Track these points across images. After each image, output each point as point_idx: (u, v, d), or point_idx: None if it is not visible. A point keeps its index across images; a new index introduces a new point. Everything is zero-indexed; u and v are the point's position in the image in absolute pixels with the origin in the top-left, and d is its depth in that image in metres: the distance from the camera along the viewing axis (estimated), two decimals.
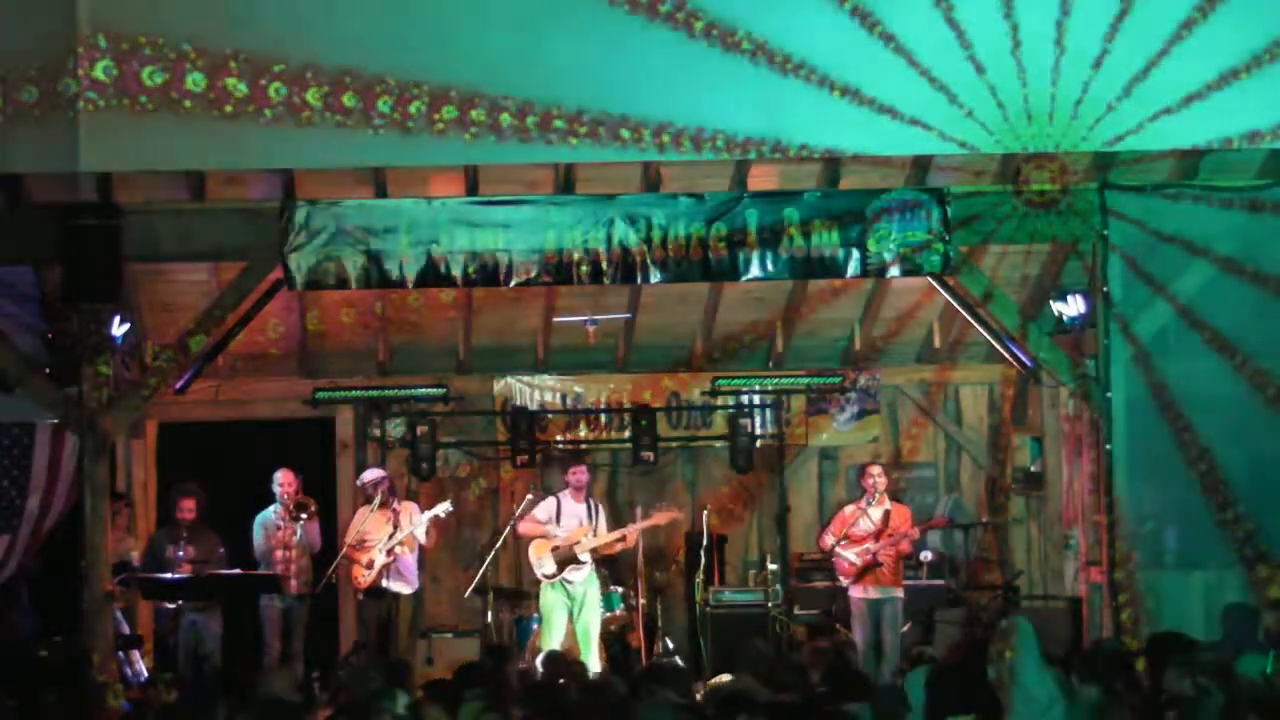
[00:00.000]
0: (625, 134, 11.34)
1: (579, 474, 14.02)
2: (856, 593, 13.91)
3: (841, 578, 14.00)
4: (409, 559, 13.97)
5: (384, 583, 13.83)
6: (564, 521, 13.91)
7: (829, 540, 14.00)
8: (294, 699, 9.61)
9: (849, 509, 14.18)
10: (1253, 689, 8.65)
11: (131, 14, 11.05)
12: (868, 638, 13.80)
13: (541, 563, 13.87)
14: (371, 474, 14.12)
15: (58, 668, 12.62)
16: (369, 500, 13.95)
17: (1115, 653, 10.33)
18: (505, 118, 11.25)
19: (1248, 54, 11.55)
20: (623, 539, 14.00)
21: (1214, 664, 8.76)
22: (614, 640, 14.01)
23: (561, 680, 10.60)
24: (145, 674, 13.31)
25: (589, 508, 14.03)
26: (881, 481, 14.12)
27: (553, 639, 13.54)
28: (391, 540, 13.79)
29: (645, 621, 14.29)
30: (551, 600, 13.80)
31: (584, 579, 13.84)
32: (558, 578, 13.78)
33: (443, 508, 13.99)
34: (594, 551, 13.89)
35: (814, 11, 11.40)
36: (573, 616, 13.72)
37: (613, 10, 11.26)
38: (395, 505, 13.95)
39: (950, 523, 15.05)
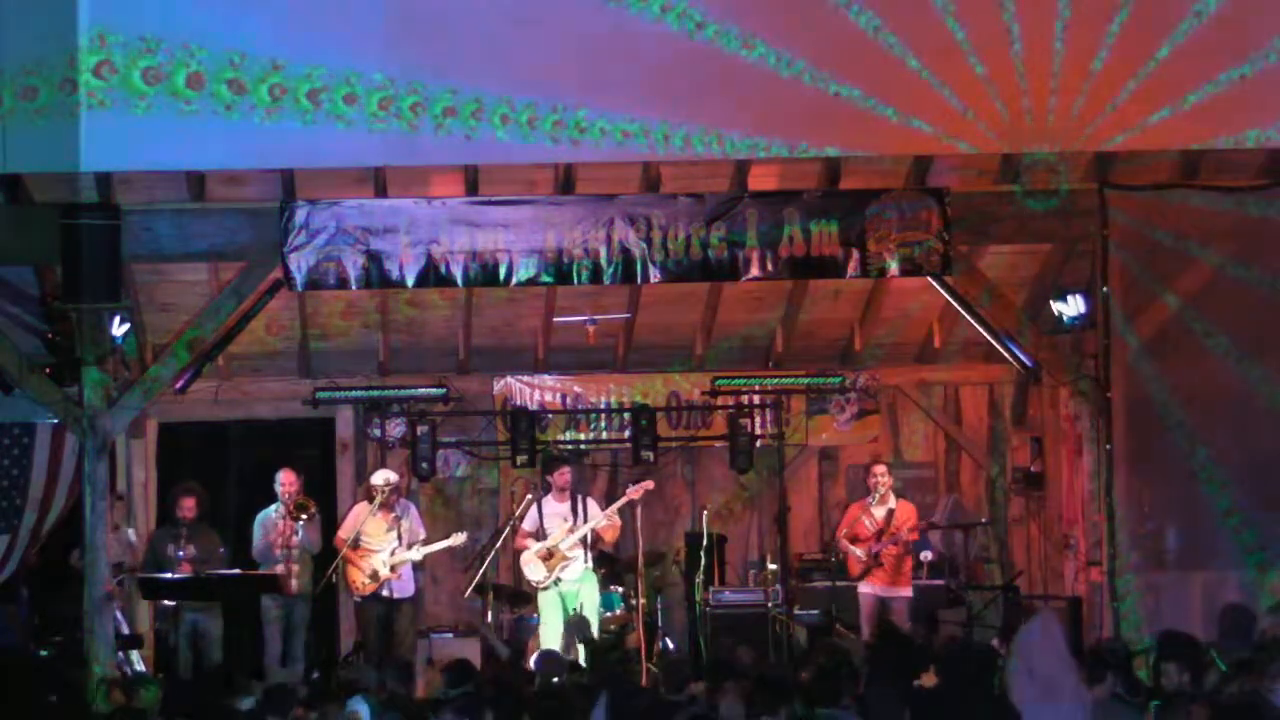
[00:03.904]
0: (625, 134, 11.35)
1: (564, 475, 14.08)
2: (865, 589, 14.01)
3: (850, 574, 14.10)
4: (407, 567, 13.99)
5: (382, 592, 13.85)
6: (548, 524, 13.92)
7: (840, 539, 14.14)
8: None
9: (853, 507, 14.26)
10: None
11: (131, 14, 11.06)
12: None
13: (531, 570, 13.88)
14: (382, 475, 14.09)
15: (58, 668, 12.60)
16: (370, 498, 13.97)
17: (1115, 652, 10.32)
18: (505, 118, 11.26)
19: (1247, 54, 11.56)
20: (609, 524, 13.99)
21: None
22: (613, 644, 13.98)
23: (556, 679, 10.63)
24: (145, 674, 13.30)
25: (573, 505, 14.01)
26: (886, 481, 14.19)
27: (550, 640, 13.53)
28: (395, 556, 13.81)
29: (645, 621, 14.29)
30: (546, 602, 13.80)
31: (578, 577, 13.82)
32: (550, 580, 13.78)
33: (457, 538, 14.01)
34: (589, 546, 13.87)
35: (814, 12, 11.41)
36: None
37: (613, 10, 11.27)
38: (398, 510, 13.96)
39: (945, 524, 15.10)
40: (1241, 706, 7.92)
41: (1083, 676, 8.54)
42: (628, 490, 14.24)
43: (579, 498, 14.16)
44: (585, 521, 13.92)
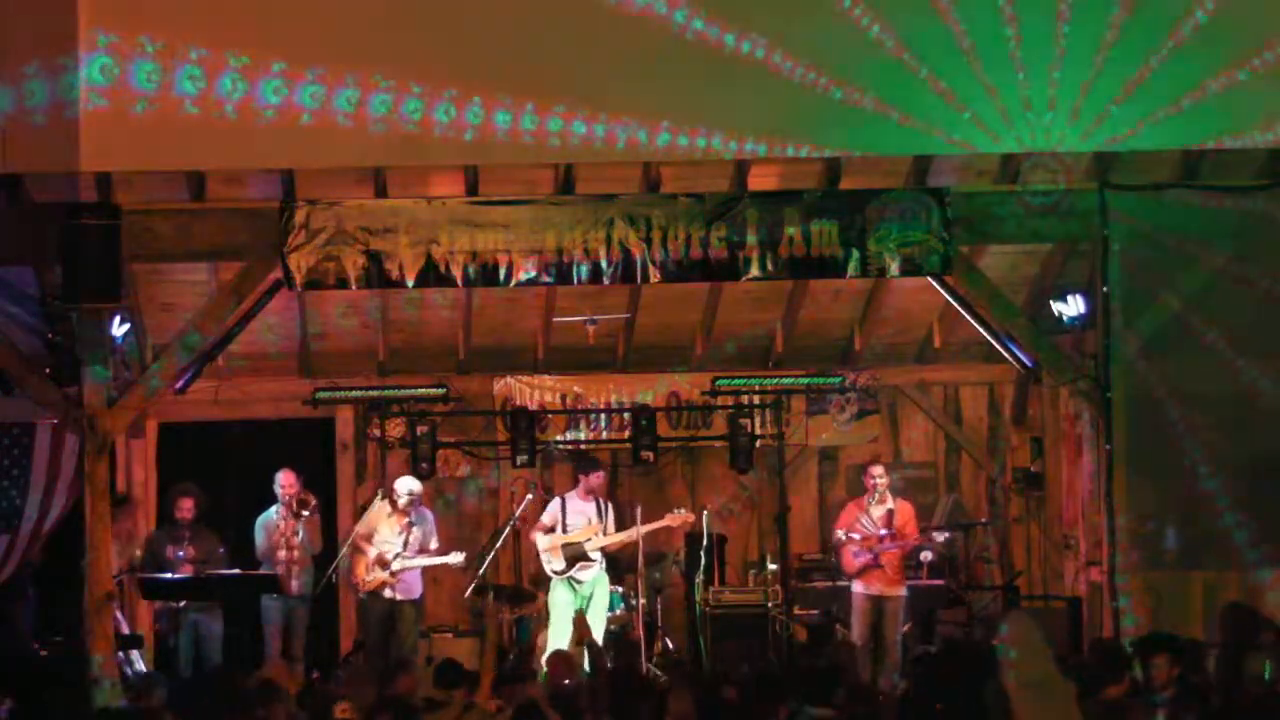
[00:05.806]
0: (625, 134, 11.35)
1: (599, 477, 14.18)
2: (858, 588, 14.01)
3: (845, 573, 14.10)
4: (413, 570, 14.00)
5: (385, 592, 13.85)
6: (571, 520, 14.05)
7: (839, 533, 14.14)
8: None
9: (850, 506, 14.28)
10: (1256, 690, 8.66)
11: (131, 13, 11.05)
12: (867, 635, 13.84)
13: (551, 560, 13.96)
14: (405, 484, 14.06)
15: (58, 668, 12.60)
16: (388, 500, 13.99)
17: (1114, 652, 10.33)
18: (505, 118, 11.25)
19: (1247, 54, 11.55)
20: (633, 541, 14.13)
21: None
22: (618, 640, 14.00)
23: (567, 680, 10.64)
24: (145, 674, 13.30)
25: (598, 506, 14.15)
26: (883, 481, 14.19)
27: (559, 637, 13.56)
28: (399, 560, 13.80)
29: (645, 621, 14.30)
30: (560, 597, 13.90)
31: (593, 578, 13.97)
32: (566, 575, 13.88)
33: (455, 557, 14.01)
34: (602, 549, 14.00)
35: (815, 12, 11.40)
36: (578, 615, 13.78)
37: (613, 10, 11.26)
38: (413, 517, 13.95)
39: (944, 536, 15.10)
40: (1261, 707, 7.92)
41: (1067, 672, 8.53)
42: (666, 516, 14.31)
43: (601, 500, 14.25)
44: (606, 524, 14.05)
